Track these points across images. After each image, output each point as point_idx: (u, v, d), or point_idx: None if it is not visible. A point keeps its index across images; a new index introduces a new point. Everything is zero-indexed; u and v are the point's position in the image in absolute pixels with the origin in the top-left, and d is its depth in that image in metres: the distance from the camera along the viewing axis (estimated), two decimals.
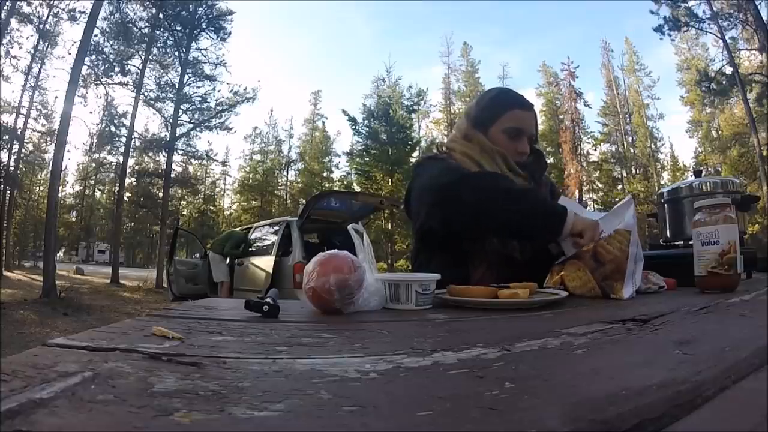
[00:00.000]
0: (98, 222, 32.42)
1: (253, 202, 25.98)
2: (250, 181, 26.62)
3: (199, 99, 17.12)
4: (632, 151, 25.33)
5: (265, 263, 5.43)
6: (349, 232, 0.78)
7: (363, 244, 0.78)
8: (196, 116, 17.30)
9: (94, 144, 18.49)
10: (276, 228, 5.95)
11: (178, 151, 17.38)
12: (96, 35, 13.52)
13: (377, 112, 20.56)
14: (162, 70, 16.54)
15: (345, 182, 23.67)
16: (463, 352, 0.41)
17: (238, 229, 7.04)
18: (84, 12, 12.74)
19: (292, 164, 28.33)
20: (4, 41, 13.07)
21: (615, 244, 0.86)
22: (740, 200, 1.32)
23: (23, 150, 17.09)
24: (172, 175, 17.88)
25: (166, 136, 16.60)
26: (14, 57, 14.12)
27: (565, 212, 0.92)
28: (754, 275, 1.25)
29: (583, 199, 23.22)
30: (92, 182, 28.22)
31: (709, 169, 19.35)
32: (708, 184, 1.50)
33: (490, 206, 0.92)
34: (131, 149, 16.75)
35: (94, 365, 0.34)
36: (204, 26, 16.61)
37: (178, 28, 16.07)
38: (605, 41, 26.80)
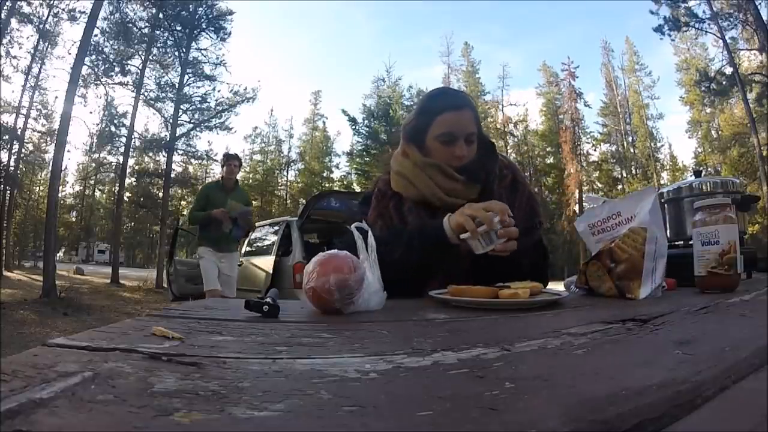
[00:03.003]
0: (98, 222, 32.42)
1: (254, 202, 25.94)
2: (250, 181, 26.62)
3: (199, 99, 17.15)
4: (632, 151, 25.35)
5: (265, 263, 5.43)
6: (352, 232, 0.78)
7: (366, 244, 0.77)
8: (196, 116, 17.32)
9: (94, 144, 18.51)
10: (276, 228, 5.95)
11: (178, 151, 17.40)
12: (96, 35, 13.54)
13: (377, 112, 20.58)
14: (162, 70, 16.57)
15: (345, 182, 23.69)
16: (463, 352, 0.41)
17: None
18: (84, 12, 12.76)
19: (292, 164, 28.36)
20: (4, 41, 13.08)
21: (629, 242, 0.85)
22: (740, 200, 1.32)
23: (23, 150, 17.11)
24: (172, 175, 17.88)
25: (166, 136, 16.61)
26: (14, 57, 14.15)
27: (440, 222, 0.95)
28: (754, 275, 1.25)
29: (583, 199, 23.24)
30: (92, 182, 28.22)
31: (709, 169, 19.36)
32: (708, 184, 1.49)
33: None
34: (131, 149, 16.78)
35: (94, 365, 0.34)
36: (204, 26, 16.62)
37: (178, 28, 16.07)
38: (605, 41, 26.85)
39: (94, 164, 21.31)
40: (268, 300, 0.65)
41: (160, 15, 15.59)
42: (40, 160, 21.15)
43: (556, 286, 1.08)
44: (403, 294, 0.85)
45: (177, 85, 16.47)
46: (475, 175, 1.05)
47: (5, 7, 12.32)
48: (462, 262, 0.98)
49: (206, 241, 4.04)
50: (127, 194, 18.68)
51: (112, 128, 16.59)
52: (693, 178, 1.57)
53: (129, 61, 15.68)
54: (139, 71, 15.92)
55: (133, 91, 15.97)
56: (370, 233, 0.78)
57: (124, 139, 16.49)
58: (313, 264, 0.69)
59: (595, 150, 25.89)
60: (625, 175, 25.40)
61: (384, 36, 60.89)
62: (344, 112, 20.31)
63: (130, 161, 17.50)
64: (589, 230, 0.96)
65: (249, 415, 0.25)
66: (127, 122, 16.19)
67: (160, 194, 17.54)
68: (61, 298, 8.36)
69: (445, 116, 1.04)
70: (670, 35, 15.69)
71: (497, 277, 0.85)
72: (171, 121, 16.46)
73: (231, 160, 4.24)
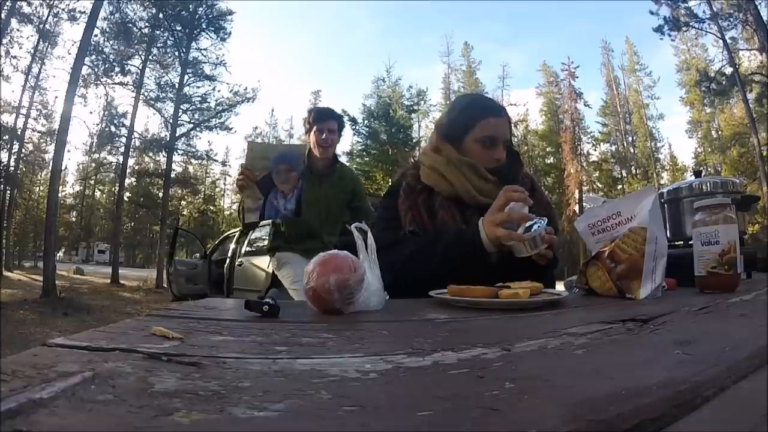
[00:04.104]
0: (98, 222, 32.43)
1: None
2: None
3: (199, 99, 17.17)
4: (632, 151, 25.35)
5: (265, 263, 5.43)
6: (352, 231, 0.78)
7: (366, 244, 0.78)
8: (196, 116, 17.34)
9: (94, 144, 18.55)
10: None
11: (178, 151, 17.42)
12: (96, 35, 13.55)
13: (377, 112, 20.62)
14: (162, 70, 16.59)
15: None
16: (463, 352, 0.41)
17: None
18: (84, 12, 12.77)
19: None
20: (4, 41, 13.08)
21: (630, 242, 0.85)
22: (740, 200, 1.32)
23: (23, 150, 17.13)
24: (172, 175, 17.89)
25: (166, 136, 16.63)
26: (14, 57, 14.16)
27: (475, 228, 0.98)
28: (754, 275, 1.24)
29: (583, 199, 23.24)
30: (92, 182, 28.26)
31: (709, 169, 19.36)
32: (708, 184, 1.49)
33: (412, 273, 0.98)
34: (131, 149, 16.80)
35: (94, 365, 0.34)
36: (204, 26, 16.63)
37: (178, 28, 16.08)
38: (605, 41, 26.88)
39: (94, 164, 21.34)
40: (268, 300, 0.65)
41: (160, 15, 15.59)
42: (40, 160, 21.21)
43: (556, 286, 1.08)
44: (405, 294, 0.85)
45: (177, 85, 16.49)
46: (505, 178, 1.11)
47: (5, 7, 12.32)
48: (491, 268, 1.00)
49: (287, 242, 2.07)
50: (127, 194, 18.71)
51: (112, 128, 16.62)
52: (693, 178, 1.57)
53: (129, 61, 15.70)
54: (139, 71, 15.95)
55: (133, 91, 16.01)
56: (369, 233, 0.78)
57: (124, 139, 16.53)
58: (313, 264, 0.69)
59: (595, 150, 25.94)
60: (625, 175, 25.41)
61: (385, 35, 61.00)
62: (344, 112, 20.34)
63: (130, 161, 17.58)
64: (589, 230, 0.97)
65: (249, 415, 0.25)
66: (127, 122, 16.23)
67: (160, 194, 17.56)
68: (61, 298, 8.37)
69: (490, 120, 1.10)
70: (670, 35, 15.70)
71: (508, 279, 0.85)
72: (171, 121, 16.47)
73: (324, 122, 2.00)
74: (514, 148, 1.20)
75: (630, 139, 25.64)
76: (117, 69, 15.45)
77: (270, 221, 1.91)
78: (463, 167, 1.08)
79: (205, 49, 16.95)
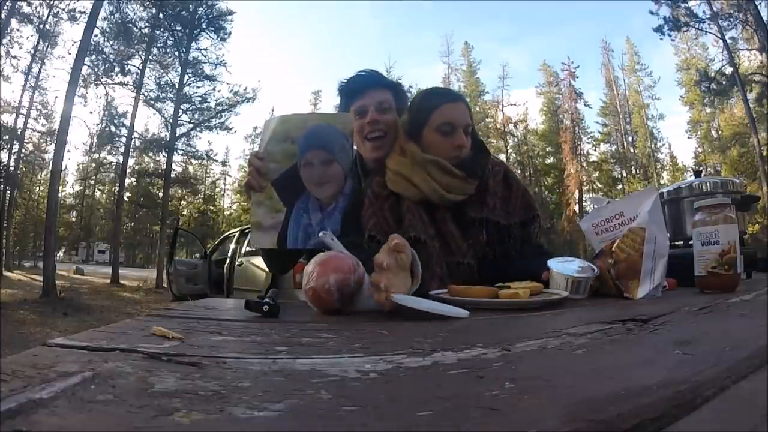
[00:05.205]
0: (98, 222, 32.42)
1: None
2: None
3: (199, 99, 17.17)
4: (632, 151, 25.35)
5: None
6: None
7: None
8: (196, 116, 17.34)
9: (94, 144, 18.58)
10: None
11: (178, 151, 17.43)
12: (96, 35, 13.56)
13: None
14: (162, 70, 16.59)
15: None
16: (463, 352, 0.41)
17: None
18: (84, 12, 12.78)
19: None
20: (4, 41, 13.10)
21: (628, 242, 0.86)
22: (740, 200, 1.32)
23: (23, 150, 17.15)
24: (172, 175, 17.90)
25: (166, 136, 16.63)
26: (14, 57, 14.18)
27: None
28: (754, 275, 1.25)
29: (583, 199, 23.26)
30: (92, 182, 28.27)
31: (709, 169, 19.38)
32: (708, 184, 1.50)
33: None
34: (131, 149, 16.80)
35: (94, 365, 0.34)
36: (204, 26, 16.63)
37: (178, 28, 16.08)
38: (605, 41, 26.88)
39: (94, 164, 21.36)
40: (268, 300, 0.65)
41: (160, 15, 15.60)
42: (40, 160, 21.23)
43: None
44: None
45: (177, 85, 16.49)
46: (473, 171, 1.07)
47: (5, 7, 12.33)
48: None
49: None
50: (127, 194, 18.71)
51: (112, 128, 16.63)
52: (693, 178, 1.57)
53: (129, 61, 15.71)
54: (139, 71, 15.95)
55: (133, 91, 16.01)
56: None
57: (124, 139, 16.54)
58: (313, 264, 0.69)
59: (595, 150, 25.94)
60: (625, 175, 25.42)
61: (386, 35, 61.08)
62: None
63: (130, 161, 17.57)
64: (593, 230, 0.97)
65: (249, 415, 0.25)
66: (127, 122, 16.24)
67: (160, 194, 17.56)
68: (61, 298, 8.38)
69: (444, 108, 1.07)
70: (670, 35, 15.69)
71: (501, 277, 0.85)
72: (171, 121, 16.47)
73: (364, 94, 1.21)
74: (478, 137, 1.15)
75: (630, 139, 25.64)
76: (117, 69, 15.47)
77: (297, 249, 1.07)
78: (428, 165, 1.05)
79: (205, 49, 16.97)
